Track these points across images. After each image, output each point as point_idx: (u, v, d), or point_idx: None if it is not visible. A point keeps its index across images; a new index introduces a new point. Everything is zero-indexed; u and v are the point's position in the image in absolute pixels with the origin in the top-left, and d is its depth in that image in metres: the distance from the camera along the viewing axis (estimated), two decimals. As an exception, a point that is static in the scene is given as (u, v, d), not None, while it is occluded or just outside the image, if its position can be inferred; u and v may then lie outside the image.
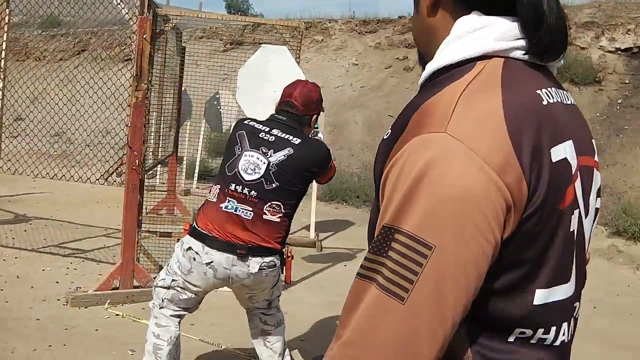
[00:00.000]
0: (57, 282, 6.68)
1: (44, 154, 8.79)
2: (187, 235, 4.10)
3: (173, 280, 4.12)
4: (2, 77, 6.70)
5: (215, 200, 4.03)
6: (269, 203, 3.99)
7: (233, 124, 4.55)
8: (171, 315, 4.23)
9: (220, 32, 18.79)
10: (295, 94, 4.27)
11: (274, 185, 4.00)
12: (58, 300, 6.19)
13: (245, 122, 4.25)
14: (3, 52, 6.73)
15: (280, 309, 4.54)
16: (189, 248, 4.00)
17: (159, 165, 10.36)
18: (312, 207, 9.00)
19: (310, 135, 4.38)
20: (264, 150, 4.04)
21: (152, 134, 8.38)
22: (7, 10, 6.67)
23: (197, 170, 12.05)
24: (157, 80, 7.69)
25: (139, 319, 5.79)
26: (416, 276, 1.11)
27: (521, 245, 1.20)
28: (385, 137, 1.30)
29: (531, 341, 1.28)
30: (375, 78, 15.85)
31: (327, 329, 5.92)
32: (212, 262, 3.95)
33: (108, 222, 9.29)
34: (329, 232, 9.74)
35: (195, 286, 4.07)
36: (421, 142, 1.16)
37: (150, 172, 9.14)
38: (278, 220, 4.03)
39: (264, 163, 4.01)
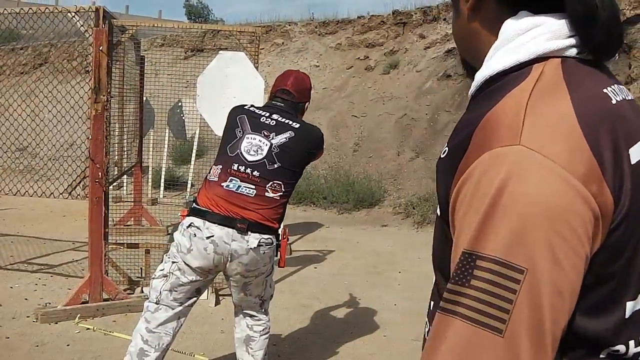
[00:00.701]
0: (26, 299, 6.61)
1: (6, 169, 8.72)
2: (187, 217, 4.17)
3: (173, 262, 4.18)
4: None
5: (216, 179, 4.17)
6: (271, 182, 4.17)
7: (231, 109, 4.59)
8: (165, 321, 4.24)
9: (181, 40, 18.75)
10: (289, 82, 4.50)
11: (275, 166, 4.20)
12: (27, 317, 6.13)
13: (246, 107, 4.45)
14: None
15: (269, 317, 4.65)
16: (190, 224, 4.09)
17: (125, 176, 10.32)
18: (280, 211, 9.02)
19: None
20: (265, 133, 4.26)
21: (116, 145, 8.35)
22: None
23: (162, 179, 12.02)
24: (117, 91, 7.65)
25: (110, 332, 5.77)
26: (511, 304, 1.02)
27: (609, 258, 1.11)
28: (442, 156, 1.23)
29: (625, 357, 1.18)
30: (337, 79, 15.90)
31: (298, 332, 5.95)
32: (212, 236, 4.04)
33: (75, 235, 9.23)
34: (297, 235, 9.76)
35: (194, 265, 4.11)
36: (494, 157, 1.07)
37: (116, 183, 9.10)
38: (278, 198, 4.19)
39: (266, 145, 4.22)
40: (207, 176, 4.32)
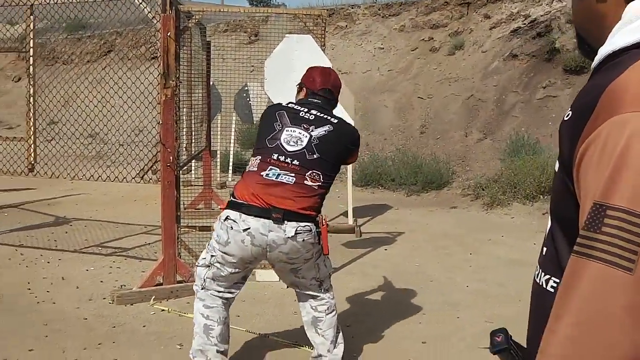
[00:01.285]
0: (102, 282, 6.77)
1: (79, 155, 8.89)
2: (225, 209, 4.27)
3: (212, 256, 4.32)
4: (32, 82, 6.79)
5: (256, 169, 4.26)
6: (311, 171, 4.26)
7: (267, 107, 4.67)
8: (215, 296, 4.41)
9: (244, 25, 18.82)
10: (330, 81, 4.66)
11: (315, 156, 4.30)
12: (104, 299, 6.27)
13: (283, 104, 4.61)
14: (31, 59, 6.81)
15: (332, 294, 4.71)
16: (227, 218, 4.18)
17: (194, 161, 10.44)
18: (348, 193, 9.03)
19: None
20: (305, 126, 4.37)
21: (185, 129, 8.44)
22: (32, 17, 6.75)
23: (231, 163, 12.12)
24: (185, 76, 7.74)
25: (184, 313, 5.85)
26: (639, 247, 1.16)
27: None
28: (566, 119, 1.36)
29: None
30: (401, 61, 15.80)
31: (371, 314, 5.95)
32: (249, 228, 4.11)
33: (147, 219, 9.38)
34: (367, 217, 9.76)
35: (233, 257, 4.23)
36: (619, 121, 1.21)
37: (185, 167, 9.21)
38: (316, 187, 4.27)
39: (306, 137, 4.33)
40: (246, 168, 4.40)
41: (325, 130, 4.39)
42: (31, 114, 6.73)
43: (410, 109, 14.25)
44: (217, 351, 4.42)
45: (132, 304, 6.09)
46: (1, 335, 5.44)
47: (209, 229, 6.80)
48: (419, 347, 5.22)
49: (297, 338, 5.30)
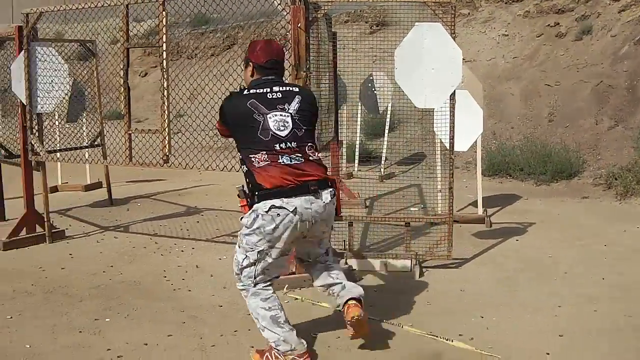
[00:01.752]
0: (234, 270, 6.90)
1: (205, 147, 9.06)
2: (259, 203, 4.48)
3: (259, 252, 4.56)
4: (165, 76, 6.94)
5: (269, 162, 4.48)
6: (306, 146, 4.61)
7: (225, 103, 4.81)
8: (266, 288, 4.69)
9: (365, 15, 18.78)
10: (274, 53, 4.83)
11: (303, 130, 4.63)
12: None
13: (244, 93, 4.71)
14: (164, 53, 6.96)
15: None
16: (270, 208, 4.44)
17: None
18: (477, 183, 8.90)
19: None
20: (280, 107, 4.62)
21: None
22: (164, 12, 6.90)
23: (357, 153, 12.14)
24: (313, 67, 7.76)
25: (318, 302, 5.90)
26: None
27: None
28: None
29: None
30: (527, 48, 15.45)
31: (504, 305, 5.86)
32: (295, 208, 4.44)
33: (277, 210, 9.51)
34: (496, 207, 9.61)
35: (281, 242, 4.52)
36: None
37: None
38: (316, 155, 4.68)
39: (288, 116, 4.60)
40: (253, 164, 4.53)
41: (297, 102, 4.69)
42: (165, 107, 6.89)
43: (537, 96, 13.92)
44: (295, 333, 4.71)
45: (266, 292, 6.17)
46: (140, 320, 5.63)
47: (340, 218, 6.82)
48: (557, 341, 5.09)
49: (432, 328, 5.26)
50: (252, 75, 4.86)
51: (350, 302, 4.83)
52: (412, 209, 9.24)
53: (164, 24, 6.80)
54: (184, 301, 6.07)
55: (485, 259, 7.19)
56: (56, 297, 6.22)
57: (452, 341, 5.04)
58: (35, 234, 8.08)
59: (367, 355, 4.90)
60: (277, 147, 4.50)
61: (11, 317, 5.75)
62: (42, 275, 6.84)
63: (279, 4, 6.29)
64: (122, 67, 7.05)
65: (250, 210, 4.56)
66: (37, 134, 7.85)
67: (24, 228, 8.10)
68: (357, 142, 12.26)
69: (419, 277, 6.57)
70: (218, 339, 5.20)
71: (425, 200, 9.70)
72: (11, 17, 34.13)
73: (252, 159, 4.54)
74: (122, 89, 6.74)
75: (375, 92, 10.72)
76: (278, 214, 4.43)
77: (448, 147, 6.82)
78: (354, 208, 9.18)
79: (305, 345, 4.72)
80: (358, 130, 12.30)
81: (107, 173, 10.45)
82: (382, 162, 11.99)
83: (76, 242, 8.14)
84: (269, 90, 4.68)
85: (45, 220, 8.01)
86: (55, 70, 7.72)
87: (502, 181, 11.70)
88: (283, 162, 4.48)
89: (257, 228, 4.49)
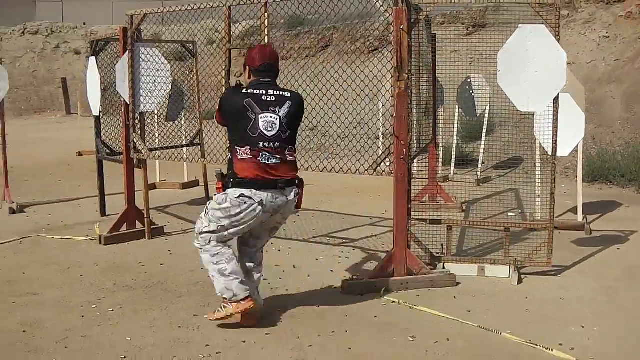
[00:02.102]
0: (331, 271, 6.92)
1: (298, 147, 9.11)
2: (232, 189, 5.24)
3: (220, 226, 5.27)
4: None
5: (250, 157, 5.20)
6: (287, 148, 5.31)
7: (225, 97, 5.60)
8: (219, 242, 5.34)
9: (462, 16, 18.60)
10: (267, 57, 5.46)
11: (287, 134, 5.31)
12: (334, 288, 6.41)
13: (244, 91, 5.36)
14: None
15: None
16: (240, 195, 5.19)
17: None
18: (578, 189, 8.70)
19: None
20: (272, 109, 5.27)
21: (414, 122, 8.45)
22: (266, 14, 6.96)
23: (453, 156, 12.03)
24: (414, 69, 7.73)
25: (415, 305, 5.86)
26: None
27: None
28: None
29: None
30: (629, 50, 15.04)
31: (604, 315, 5.71)
32: (261, 200, 5.19)
33: (372, 211, 9.52)
34: (596, 214, 9.36)
35: (243, 224, 5.27)
36: None
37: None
38: (293, 158, 5.38)
39: (277, 119, 5.26)
40: (236, 155, 5.25)
41: (287, 107, 5.32)
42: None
43: (639, 100, 13.54)
44: (240, 282, 5.32)
45: (362, 294, 6.17)
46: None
47: (439, 222, 6.79)
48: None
49: (531, 336, 5.17)
50: (249, 78, 5.51)
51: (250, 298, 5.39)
52: (509, 214, 9.10)
53: (266, 25, 6.86)
54: (282, 300, 6.11)
55: (585, 267, 7.02)
56: (156, 292, 6.35)
57: (551, 350, 4.94)
58: (135, 229, 8.26)
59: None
60: (261, 144, 5.21)
61: (112, 310, 5.90)
62: (141, 271, 6.99)
63: (381, 6, 6.26)
64: (224, 67, 7.14)
65: (223, 192, 5.31)
66: (139, 133, 8.03)
67: (125, 224, 8.29)
68: (454, 145, 12.13)
69: (518, 283, 6.47)
70: (315, 340, 5.21)
71: (522, 206, 9.54)
72: (111, 19, 35.06)
73: (237, 150, 5.28)
74: (224, 90, 6.81)
75: (472, 94, 10.59)
76: (245, 202, 5.19)
77: (549, 152, 6.69)
78: (451, 212, 9.10)
79: (248, 291, 5.34)
80: (455, 133, 12.17)
81: (205, 172, 10.60)
82: (479, 165, 11.84)
83: (174, 238, 8.29)
84: (264, 92, 5.32)
85: (145, 216, 8.19)
86: (158, 70, 7.88)
87: (601, 187, 11.40)
88: (261, 160, 5.20)
89: (224, 208, 5.24)
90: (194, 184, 11.85)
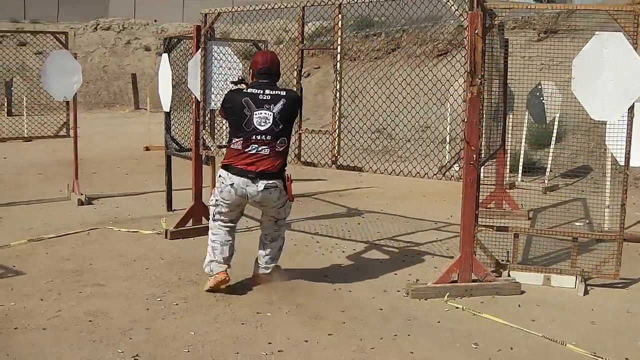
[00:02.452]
0: (395, 274, 6.90)
1: (366, 149, 9.09)
2: (220, 169, 6.18)
3: (216, 199, 6.29)
4: (339, 78, 7.00)
5: (241, 147, 6.05)
6: (279, 139, 6.08)
7: (228, 95, 6.46)
8: (221, 226, 6.35)
9: (533, 22, 18.35)
10: (268, 61, 6.27)
11: (280, 127, 6.08)
12: (398, 291, 6.39)
13: (244, 90, 6.22)
14: (339, 55, 7.02)
15: (283, 230, 6.62)
16: (219, 175, 6.16)
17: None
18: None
19: None
20: (266, 106, 6.06)
21: (483, 128, 8.37)
22: (340, 15, 6.95)
23: (521, 163, 11.88)
24: (487, 74, 7.66)
25: (479, 312, 5.82)
26: None
27: None
28: None
29: None
30: None
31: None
32: (233, 183, 6.05)
33: (436, 215, 9.45)
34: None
35: (225, 201, 6.18)
36: None
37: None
38: (283, 150, 6.13)
39: (270, 114, 6.05)
40: (231, 144, 6.15)
41: (281, 104, 6.09)
42: (337, 109, 6.95)
43: None
44: (218, 262, 6.31)
45: (426, 299, 6.15)
46: (301, 317, 5.74)
47: (506, 229, 6.71)
48: None
49: (596, 348, 5.09)
50: (252, 79, 6.30)
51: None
52: (576, 223, 8.96)
53: (339, 26, 6.86)
54: (345, 301, 6.12)
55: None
56: (219, 288, 6.39)
57: (618, 364, 4.86)
58: (201, 225, 8.32)
59: (530, 371, 4.79)
60: (254, 137, 6.02)
61: (177, 304, 5.98)
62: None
63: (456, 10, 6.21)
64: (295, 67, 7.15)
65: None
66: (208, 130, 8.10)
67: (191, 219, 8.37)
68: (522, 152, 11.98)
69: (584, 294, 6.37)
70: (378, 342, 5.21)
71: (590, 216, 9.38)
72: (181, 16, 35.51)
73: (232, 141, 6.15)
74: (295, 90, 6.86)
75: (543, 101, 10.43)
76: (222, 182, 6.12)
77: (621, 162, 6.56)
78: (517, 219, 8.99)
79: (223, 269, 6.29)
80: (523, 140, 12.02)
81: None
82: (547, 173, 11.67)
83: (239, 235, 8.28)
84: (262, 92, 6.12)
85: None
86: (230, 68, 7.94)
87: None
88: (250, 151, 6.03)
89: (217, 186, 6.26)
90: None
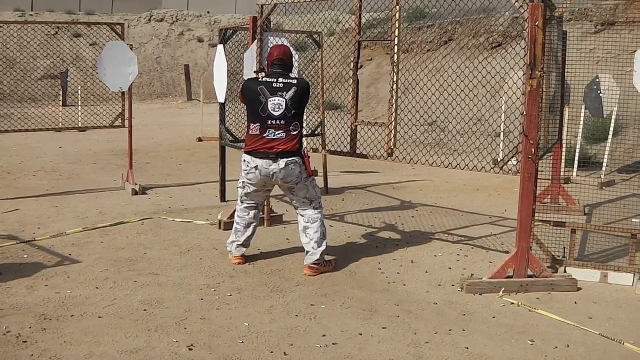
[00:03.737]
0: (450, 268, 6.85)
1: (415, 140, 9.02)
2: (243, 154, 6.68)
3: (242, 182, 6.77)
4: (395, 70, 6.96)
5: (258, 132, 6.54)
6: (292, 124, 6.53)
7: (246, 83, 6.94)
8: (246, 207, 6.89)
9: (590, 13, 18.06)
10: (281, 53, 6.71)
11: (293, 112, 6.52)
12: (452, 285, 6.35)
13: (259, 79, 6.68)
14: (395, 47, 6.97)
15: (319, 211, 6.80)
16: (244, 160, 6.63)
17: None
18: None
19: None
20: (279, 93, 6.50)
21: (541, 121, 8.26)
22: (397, 7, 6.90)
23: (576, 158, 11.71)
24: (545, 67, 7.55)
25: (534, 308, 5.75)
26: None
27: None
28: None
29: None
30: None
31: None
32: (257, 165, 6.53)
33: (491, 209, 9.38)
34: None
35: (250, 181, 6.67)
36: None
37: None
38: (297, 133, 6.56)
39: (283, 101, 6.48)
40: (249, 130, 6.65)
41: (293, 92, 6.51)
42: (393, 101, 6.91)
43: None
44: (237, 245, 6.90)
45: (480, 294, 6.10)
46: (355, 310, 5.73)
47: (563, 224, 6.61)
48: None
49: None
50: (267, 69, 6.77)
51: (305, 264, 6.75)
52: (634, 220, 8.80)
53: (397, 17, 6.82)
54: (399, 295, 6.09)
55: None
56: (273, 279, 6.43)
57: (676, 364, 4.77)
58: (254, 216, 8.33)
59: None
60: (269, 122, 6.49)
61: (230, 295, 6.01)
62: (259, 257, 7.08)
63: (516, 1, 6.12)
64: (352, 59, 7.13)
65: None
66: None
67: (244, 210, 8.38)
68: (578, 146, 11.80)
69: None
70: (432, 337, 5.18)
71: (647, 212, 9.21)
72: (234, 7, 35.65)
73: (250, 126, 6.65)
74: (352, 82, 6.88)
75: (600, 94, 10.27)
76: (248, 166, 6.60)
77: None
78: (572, 214, 8.87)
79: (240, 254, 6.91)
80: (579, 134, 11.84)
81: (324, 162, 10.63)
82: (603, 168, 11.48)
83: (292, 227, 8.35)
84: (275, 80, 6.56)
85: (265, 204, 8.25)
86: (285, 59, 7.91)
87: None
88: (266, 135, 6.49)
89: (242, 170, 6.69)
90: (313, 173, 11.90)
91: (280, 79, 6.58)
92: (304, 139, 7.31)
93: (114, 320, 5.39)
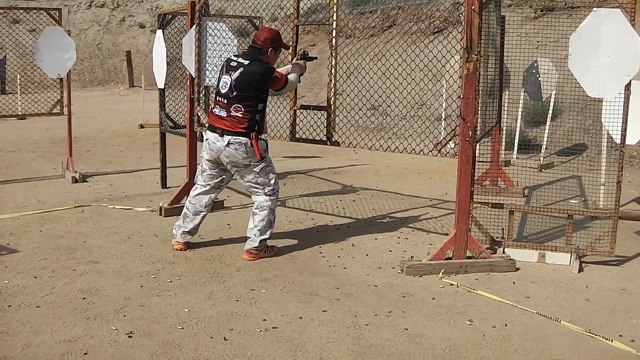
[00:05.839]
0: (390, 251, 6.89)
1: (360, 126, 9.06)
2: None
3: (201, 157, 6.79)
4: (334, 54, 6.95)
5: (213, 106, 6.60)
6: (233, 105, 6.42)
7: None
8: (199, 194, 6.83)
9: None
10: (257, 34, 6.66)
11: (234, 94, 6.42)
12: (393, 268, 6.38)
13: (229, 57, 6.73)
14: (334, 32, 6.96)
15: (271, 198, 6.64)
16: (201, 133, 6.91)
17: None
18: (643, 178, 8.51)
19: None
20: (230, 72, 6.47)
21: (479, 105, 8.34)
22: (335, -9, 6.89)
23: (516, 141, 11.86)
24: (483, 51, 7.61)
25: (473, 289, 5.82)
26: None
27: None
28: None
29: None
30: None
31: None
32: (208, 138, 6.57)
33: (431, 192, 9.46)
34: (659, 204, 9.17)
35: (205, 158, 6.65)
36: None
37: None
38: (240, 115, 6.40)
39: (229, 80, 6.44)
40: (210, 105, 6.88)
41: (238, 73, 6.41)
42: (332, 85, 6.91)
43: None
44: (183, 232, 6.83)
45: (420, 276, 6.14)
46: (296, 294, 5.74)
47: (501, 206, 6.69)
48: None
49: (590, 326, 5.10)
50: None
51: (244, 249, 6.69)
52: (572, 201, 8.95)
53: (335, 2, 6.80)
54: (339, 278, 6.11)
55: (651, 258, 6.88)
56: (214, 265, 6.40)
57: (611, 341, 4.86)
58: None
59: (523, 346, 4.79)
60: (218, 98, 6.55)
61: (171, 281, 5.96)
62: (200, 243, 7.04)
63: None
64: (290, 43, 7.11)
65: None
66: (203, 106, 8.06)
67: (185, 196, 8.32)
68: (517, 130, 11.95)
69: (578, 272, 6.36)
70: (372, 319, 5.21)
71: (585, 193, 9.38)
72: (177, -8, 35.26)
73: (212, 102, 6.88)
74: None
75: (539, 78, 10.40)
76: (205, 139, 6.64)
77: (617, 140, 6.54)
78: (512, 196, 8.99)
79: (185, 241, 6.84)
80: (519, 118, 11.98)
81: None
82: (542, 150, 11.65)
83: (234, 212, 8.34)
84: (236, 58, 6.57)
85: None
86: (225, 45, 7.87)
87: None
88: (214, 110, 6.55)
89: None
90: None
91: (240, 59, 6.52)
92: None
93: (52, 309, 5.30)
